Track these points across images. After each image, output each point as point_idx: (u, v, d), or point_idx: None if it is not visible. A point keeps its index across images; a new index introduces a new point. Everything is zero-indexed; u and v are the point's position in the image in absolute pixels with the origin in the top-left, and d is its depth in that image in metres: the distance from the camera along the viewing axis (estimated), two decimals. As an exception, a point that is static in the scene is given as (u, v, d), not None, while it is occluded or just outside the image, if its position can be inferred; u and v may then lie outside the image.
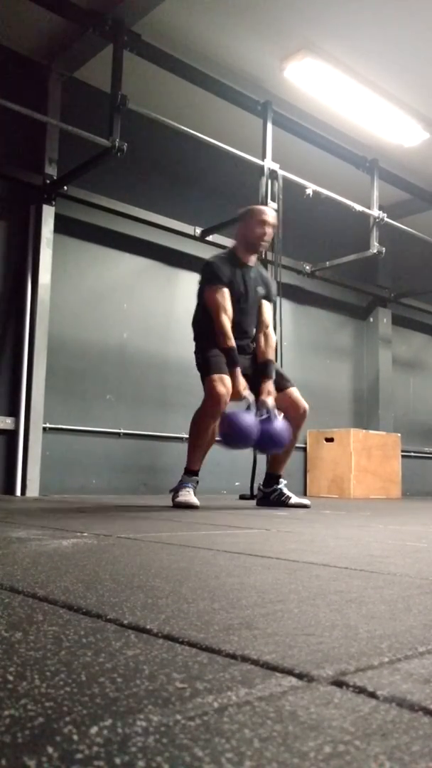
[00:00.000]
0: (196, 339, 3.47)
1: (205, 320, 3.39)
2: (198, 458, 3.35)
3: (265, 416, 3.26)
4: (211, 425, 3.29)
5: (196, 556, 1.30)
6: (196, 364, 3.41)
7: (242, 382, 3.28)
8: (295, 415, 3.46)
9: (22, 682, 0.50)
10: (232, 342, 3.29)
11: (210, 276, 3.38)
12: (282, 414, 3.39)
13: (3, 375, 4.31)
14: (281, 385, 3.48)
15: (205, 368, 3.31)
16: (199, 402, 3.32)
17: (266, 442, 3.28)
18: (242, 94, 4.84)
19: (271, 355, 3.50)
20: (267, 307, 3.57)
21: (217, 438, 3.35)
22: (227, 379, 3.23)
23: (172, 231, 5.11)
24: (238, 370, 3.27)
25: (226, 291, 3.33)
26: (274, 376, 3.44)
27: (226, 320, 3.30)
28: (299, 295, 6.27)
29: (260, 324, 3.53)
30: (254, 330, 3.51)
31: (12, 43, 4.51)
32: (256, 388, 3.40)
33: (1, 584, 0.91)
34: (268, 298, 3.57)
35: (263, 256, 4.62)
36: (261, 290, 3.52)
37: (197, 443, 3.32)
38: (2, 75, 4.51)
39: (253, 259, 3.53)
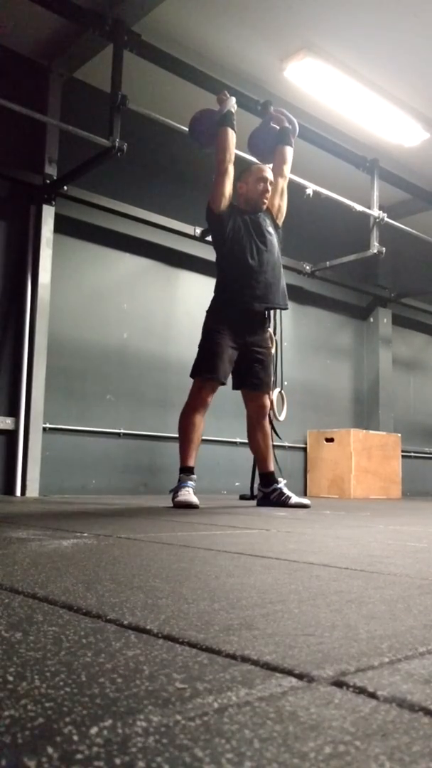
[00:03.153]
0: (207, 311, 3.52)
1: (210, 313, 3.46)
2: (191, 453, 3.37)
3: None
4: (198, 418, 3.37)
5: (196, 556, 1.30)
6: (202, 330, 3.49)
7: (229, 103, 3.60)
8: (256, 411, 3.56)
9: (22, 682, 0.50)
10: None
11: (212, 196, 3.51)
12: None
13: (3, 375, 4.31)
14: (260, 387, 3.54)
15: (198, 364, 3.39)
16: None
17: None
18: (242, 94, 4.83)
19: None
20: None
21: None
22: (216, 385, 3.37)
23: (172, 231, 5.11)
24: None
25: (228, 171, 3.46)
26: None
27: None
28: (299, 295, 6.27)
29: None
30: (275, 270, 3.51)
31: (12, 43, 4.51)
32: (244, 376, 3.51)
33: (1, 584, 0.91)
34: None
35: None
36: (270, 228, 3.57)
37: (187, 438, 3.39)
38: (2, 75, 4.51)
39: (251, 201, 3.59)
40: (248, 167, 3.66)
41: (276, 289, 3.50)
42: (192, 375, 3.42)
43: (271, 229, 3.57)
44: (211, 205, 3.47)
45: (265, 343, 3.58)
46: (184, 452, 3.39)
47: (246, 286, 3.41)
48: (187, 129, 4.37)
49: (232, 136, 3.46)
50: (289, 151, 3.79)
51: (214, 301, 3.51)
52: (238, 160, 4.68)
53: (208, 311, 3.51)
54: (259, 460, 3.65)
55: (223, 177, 3.43)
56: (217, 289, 3.52)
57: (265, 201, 3.58)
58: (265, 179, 3.55)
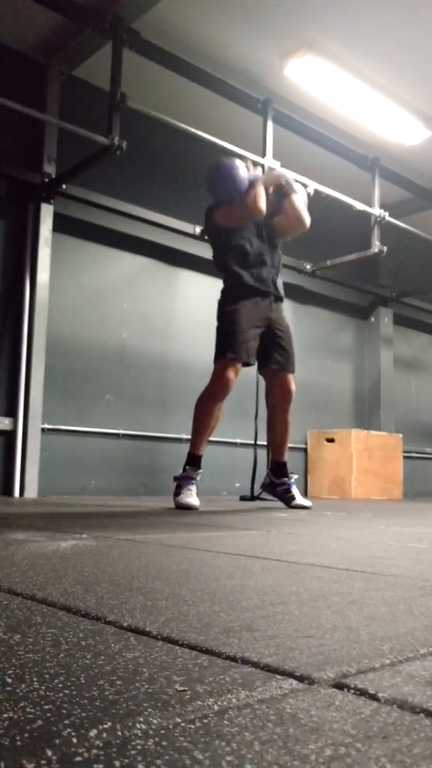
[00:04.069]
0: (217, 317, 3.40)
1: (225, 296, 3.38)
2: (202, 441, 3.30)
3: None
4: (216, 405, 3.28)
5: (196, 557, 1.29)
6: (217, 317, 3.40)
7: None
8: (281, 396, 3.49)
9: (20, 684, 0.50)
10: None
11: (211, 209, 3.43)
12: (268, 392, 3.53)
13: (1, 375, 4.31)
14: (284, 366, 3.48)
15: (220, 348, 3.29)
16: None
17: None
18: (242, 92, 4.84)
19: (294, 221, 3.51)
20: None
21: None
22: (239, 366, 3.26)
23: (171, 230, 5.10)
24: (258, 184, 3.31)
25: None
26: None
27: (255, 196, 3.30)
28: (300, 294, 6.26)
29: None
30: (276, 264, 3.49)
31: (11, 40, 4.51)
32: (266, 357, 3.44)
33: (0, 586, 0.91)
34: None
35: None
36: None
37: (202, 425, 3.29)
38: (1, 73, 4.50)
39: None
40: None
41: (277, 282, 3.50)
42: (215, 358, 3.30)
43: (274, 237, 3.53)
44: (219, 221, 3.41)
45: (284, 322, 3.53)
46: (196, 439, 3.30)
47: (259, 263, 3.38)
48: (186, 127, 4.38)
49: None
50: (293, 199, 3.49)
51: (228, 280, 3.40)
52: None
53: (223, 290, 3.41)
54: (274, 448, 3.59)
55: (248, 217, 3.35)
56: (229, 271, 3.39)
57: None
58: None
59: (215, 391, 3.25)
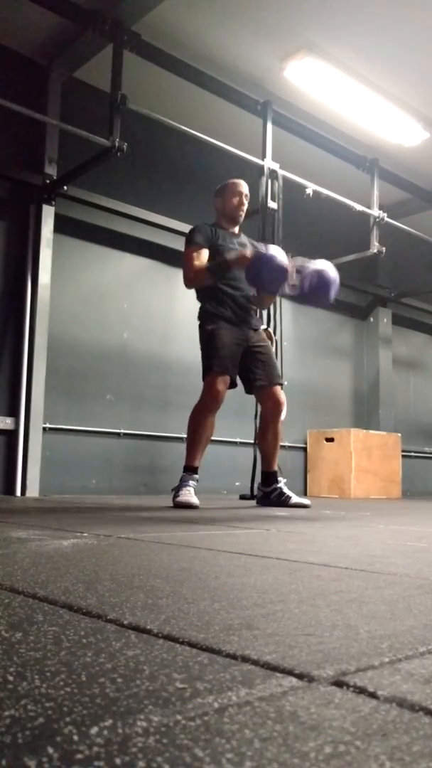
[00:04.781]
0: (199, 331, 3.51)
1: (203, 312, 3.47)
2: (197, 454, 3.36)
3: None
4: (209, 419, 3.36)
5: (196, 556, 1.30)
6: (199, 336, 3.48)
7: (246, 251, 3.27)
8: (273, 409, 3.54)
9: (22, 682, 0.50)
10: (204, 271, 3.35)
11: (189, 238, 3.48)
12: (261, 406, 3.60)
13: (3, 375, 4.31)
14: (270, 379, 3.54)
15: (207, 363, 3.39)
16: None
17: (315, 279, 3.17)
18: (242, 94, 4.84)
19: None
20: None
21: (247, 276, 3.24)
22: (227, 378, 3.35)
23: (172, 231, 5.10)
24: (230, 256, 3.30)
25: (204, 252, 3.40)
26: None
27: (198, 264, 3.35)
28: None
29: None
30: (250, 289, 3.50)
31: (12, 42, 4.51)
32: (251, 376, 3.51)
33: (2, 584, 0.91)
34: None
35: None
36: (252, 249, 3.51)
37: (196, 437, 3.36)
38: (2, 75, 4.51)
39: (236, 229, 3.64)
40: (224, 183, 3.66)
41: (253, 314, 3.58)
42: (203, 375, 3.40)
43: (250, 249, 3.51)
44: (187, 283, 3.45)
45: (263, 340, 3.61)
46: (191, 452, 3.37)
47: (231, 282, 3.44)
48: (186, 129, 4.39)
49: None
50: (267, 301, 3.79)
51: (204, 305, 3.50)
52: (237, 167, 4.69)
53: (200, 317, 3.51)
54: (265, 459, 3.64)
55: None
56: (203, 294, 3.50)
57: (242, 214, 3.61)
58: (240, 193, 3.59)
59: (207, 404, 3.35)
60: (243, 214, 3.64)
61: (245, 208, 3.64)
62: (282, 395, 3.58)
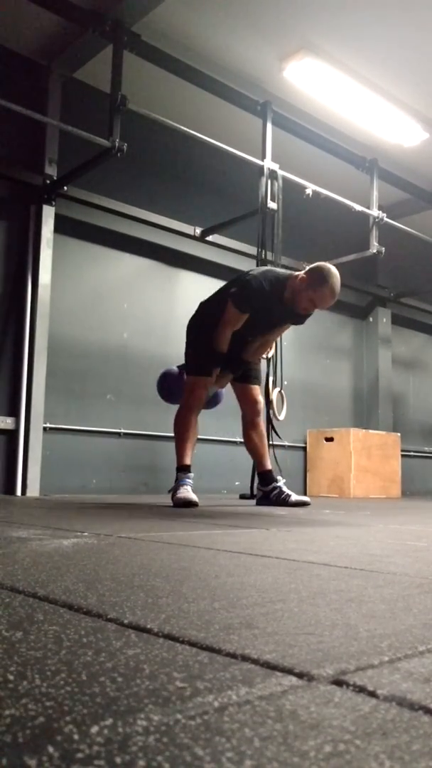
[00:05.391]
0: (189, 334, 3.56)
1: (206, 327, 3.44)
2: (187, 452, 3.40)
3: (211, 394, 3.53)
4: (193, 418, 3.42)
5: (196, 555, 1.30)
6: (184, 354, 3.56)
7: (214, 381, 3.47)
8: (249, 408, 3.62)
9: (22, 681, 0.50)
10: (225, 349, 3.38)
11: (242, 297, 3.26)
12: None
13: (3, 375, 4.31)
14: (248, 379, 3.62)
15: (192, 367, 3.46)
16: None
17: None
18: (242, 94, 4.84)
19: (251, 359, 3.63)
20: (282, 332, 3.73)
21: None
22: (209, 381, 3.43)
23: (172, 231, 5.11)
24: (216, 372, 3.44)
25: (245, 317, 3.33)
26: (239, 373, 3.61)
27: (229, 332, 3.37)
28: (299, 294, 6.26)
29: (267, 341, 3.68)
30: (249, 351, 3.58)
31: (12, 43, 4.51)
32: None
33: (2, 584, 0.91)
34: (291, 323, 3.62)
35: (263, 256, 4.63)
36: (281, 323, 3.55)
37: (183, 437, 3.41)
38: (2, 75, 4.51)
39: (290, 301, 3.37)
40: (328, 282, 3.27)
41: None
42: (186, 374, 3.49)
43: (281, 322, 3.54)
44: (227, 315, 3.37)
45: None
46: (180, 451, 3.41)
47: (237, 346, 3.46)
48: (186, 129, 4.39)
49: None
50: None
51: (207, 319, 3.46)
52: (237, 168, 4.68)
53: (199, 322, 3.51)
54: (257, 460, 3.66)
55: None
56: (210, 320, 3.42)
57: (302, 313, 3.41)
58: (326, 304, 3.34)
59: (189, 403, 3.42)
60: (304, 312, 3.43)
61: (311, 313, 3.47)
62: (259, 395, 3.64)
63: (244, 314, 3.31)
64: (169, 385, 3.63)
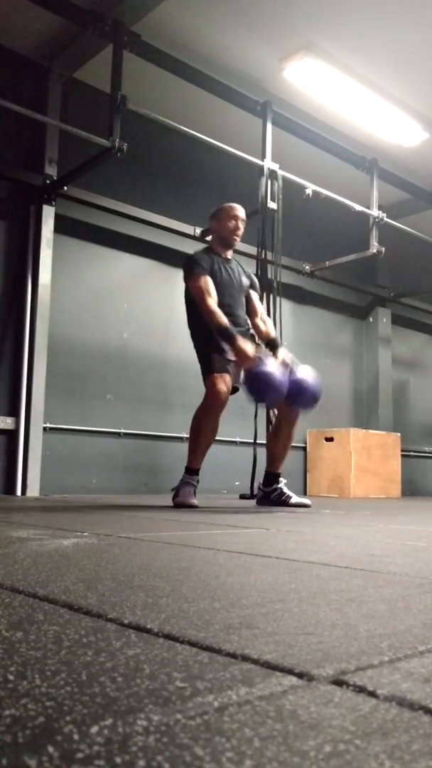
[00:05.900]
0: (193, 339, 3.50)
1: (197, 319, 3.42)
2: (199, 457, 3.35)
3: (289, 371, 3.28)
4: (212, 423, 3.31)
5: (196, 555, 1.30)
6: (198, 360, 3.45)
7: (248, 345, 3.25)
8: (292, 416, 3.49)
9: (22, 681, 0.50)
10: (224, 319, 3.27)
11: (190, 267, 3.44)
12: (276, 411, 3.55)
13: (3, 375, 4.31)
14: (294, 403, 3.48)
15: (206, 366, 3.35)
16: (199, 401, 3.32)
17: (295, 390, 3.28)
18: (242, 95, 4.84)
19: (273, 334, 3.61)
20: (255, 296, 3.67)
21: (246, 387, 3.27)
22: (228, 377, 3.29)
23: (171, 231, 5.11)
24: (239, 337, 3.24)
25: (208, 278, 3.38)
26: (281, 344, 3.53)
27: (212, 302, 3.32)
28: (299, 294, 6.27)
29: (253, 313, 3.62)
30: (245, 317, 3.55)
31: (12, 43, 4.51)
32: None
33: (2, 584, 0.91)
34: (253, 288, 3.67)
35: (263, 255, 4.63)
36: (245, 280, 3.61)
37: (199, 441, 3.32)
38: (2, 75, 4.51)
39: (230, 254, 3.62)
40: (221, 206, 3.61)
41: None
42: (204, 375, 3.34)
43: (244, 279, 3.57)
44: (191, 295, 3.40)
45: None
46: (193, 454, 3.33)
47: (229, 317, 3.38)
48: (186, 129, 4.39)
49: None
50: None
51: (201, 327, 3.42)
52: (237, 168, 4.68)
53: (190, 321, 3.49)
54: (272, 460, 3.61)
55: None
56: (199, 320, 3.40)
57: (236, 239, 3.57)
58: (236, 217, 3.54)
59: (210, 405, 3.27)
60: (238, 239, 3.60)
61: (241, 233, 3.59)
62: (298, 419, 3.54)
63: (204, 274, 3.35)
64: (259, 386, 3.25)
